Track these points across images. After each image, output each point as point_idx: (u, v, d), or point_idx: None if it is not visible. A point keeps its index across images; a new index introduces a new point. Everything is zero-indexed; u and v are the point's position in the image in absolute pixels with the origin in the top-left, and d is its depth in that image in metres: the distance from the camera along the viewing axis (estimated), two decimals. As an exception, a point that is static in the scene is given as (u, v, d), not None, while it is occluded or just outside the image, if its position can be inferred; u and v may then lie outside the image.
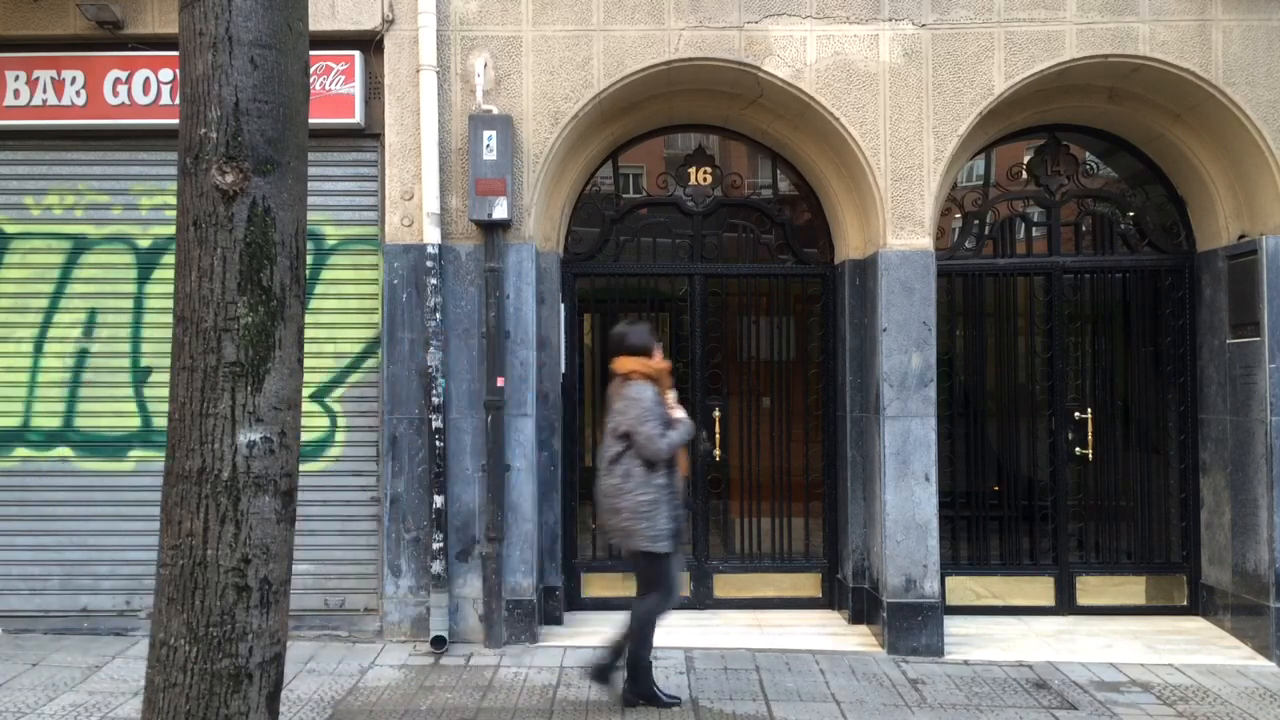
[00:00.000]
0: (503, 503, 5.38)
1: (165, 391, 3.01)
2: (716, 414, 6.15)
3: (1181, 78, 5.33)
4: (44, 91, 5.52)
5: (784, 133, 5.91)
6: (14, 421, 5.72)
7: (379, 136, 5.58)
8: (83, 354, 5.73)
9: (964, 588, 6.03)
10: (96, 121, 5.53)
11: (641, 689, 4.48)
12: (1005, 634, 5.64)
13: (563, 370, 5.92)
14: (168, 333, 5.36)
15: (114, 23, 5.42)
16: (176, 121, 2.78)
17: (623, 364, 4.46)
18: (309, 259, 5.41)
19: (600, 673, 4.56)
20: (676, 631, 5.66)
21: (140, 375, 5.73)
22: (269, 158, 2.70)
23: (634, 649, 4.45)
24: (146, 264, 5.74)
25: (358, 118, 5.50)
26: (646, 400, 4.33)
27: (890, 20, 5.42)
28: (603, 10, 5.43)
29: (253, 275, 2.68)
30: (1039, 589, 6.02)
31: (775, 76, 5.40)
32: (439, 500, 5.34)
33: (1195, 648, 5.42)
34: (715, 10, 5.39)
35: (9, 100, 5.53)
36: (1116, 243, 6.07)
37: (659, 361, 4.49)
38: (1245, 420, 5.46)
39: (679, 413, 4.46)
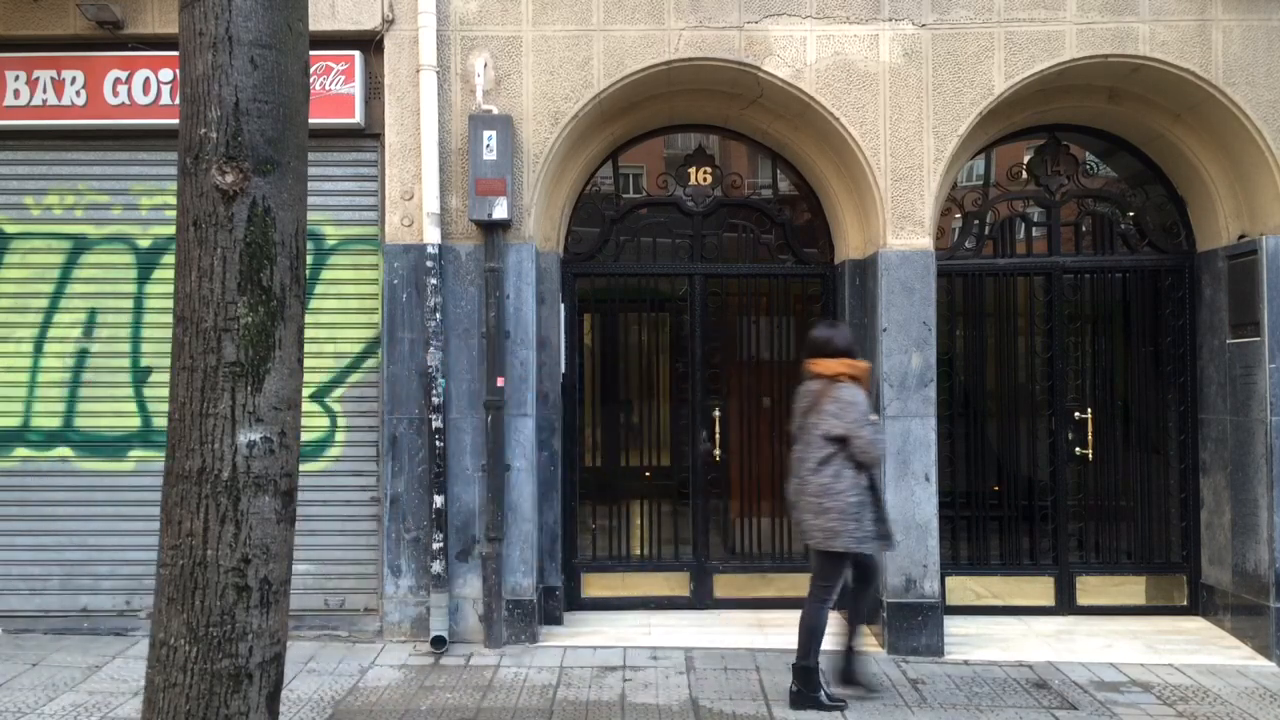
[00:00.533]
0: (503, 503, 5.38)
1: (165, 391, 3.02)
2: (716, 414, 6.16)
3: (1181, 78, 5.33)
4: (44, 91, 5.52)
5: (784, 133, 5.91)
6: (14, 421, 5.72)
7: (379, 136, 5.58)
8: (83, 354, 5.73)
9: (964, 588, 6.02)
10: (96, 121, 5.53)
11: (811, 689, 4.50)
12: (1005, 634, 5.64)
13: (563, 370, 5.92)
14: (168, 333, 5.38)
15: (114, 23, 5.42)
16: (176, 121, 2.78)
17: (830, 366, 4.48)
18: (309, 259, 5.42)
19: (848, 677, 4.59)
20: (676, 631, 5.66)
21: (140, 375, 5.74)
22: (269, 158, 2.70)
23: (803, 656, 4.48)
24: (146, 264, 5.74)
25: (358, 118, 5.50)
26: (862, 404, 4.37)
27: (890, 20, 5.42)
28: (603, 10, 5.43)
29: (253, 275, 2.68)
30: (1039, 589, 6.02)
31: (775, 76, 5.40)
32: (439, 500, 5.34)
33: (1195, 648, 5.42)
34: (715, 10, 5.39)
35: (9, 100, 5.53)
36: (1116, 243, 6.07)
37: (863, 363, 4.52)
38: (1245, 420, 5.46)
39: (873, 415, 4.49)
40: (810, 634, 4.46)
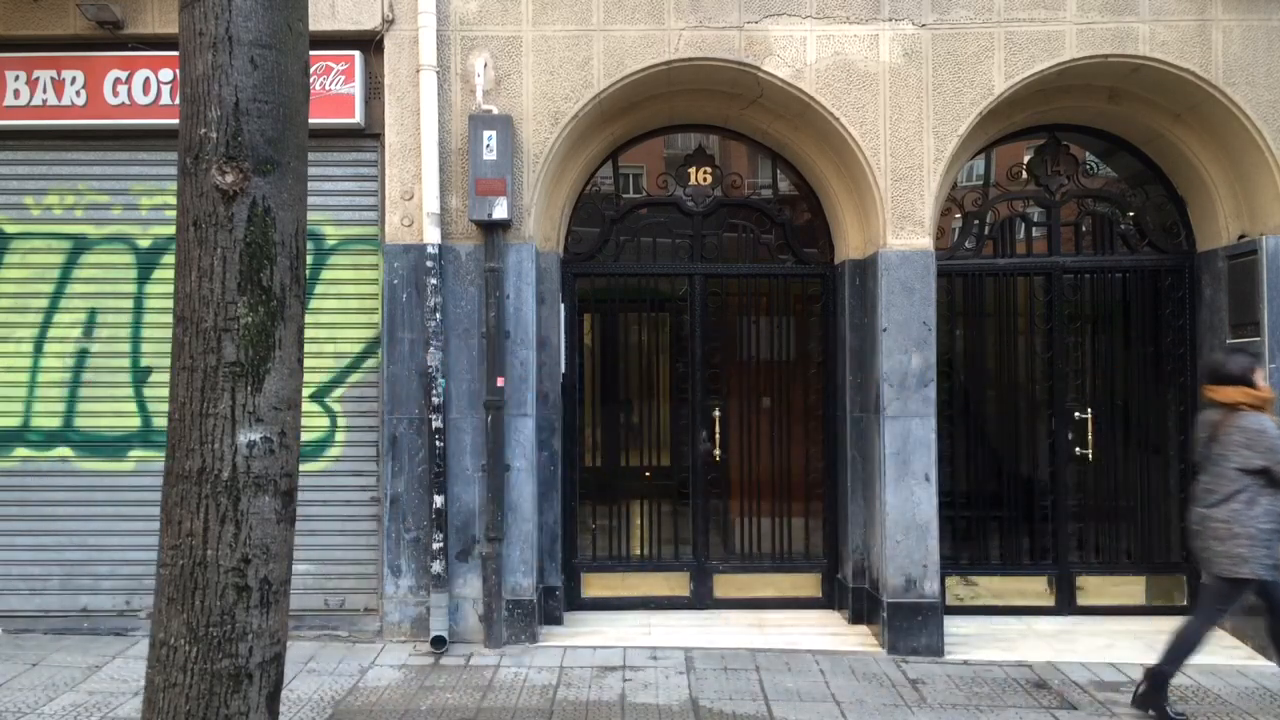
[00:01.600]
0: (503, 503, 5.38)
1: (165, 391, 3.02)
2: (716, 414, 6.16)
3: (1181, 78, 5.34)
4: (44, 91, 5.52)
5: (784, 133, 5.91)
6: (14, 421, 5.72)
7: (379, 136, 5.58)
8: (83, 354, 5.73)
9: (964, 587, 6.03)
10: (96, 121, 5.53)
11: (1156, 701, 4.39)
12: (1005, 634, 5.64)
13: (563, 370, 5.92)
14: (168, 333, 5.38)
15: (114, 23, 5.43)
16: (176, 121, 2.79)
17: (1227, 394, 4.38)
18: (309, 259, 5.42)
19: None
20: (676, 631, 5.66)
21: (140, 375, 5.74)
22: (269, 158, 2.70)
23: (1168, 661, 4.38)
24: (146, 264, 5.74)
25: (358, 118, 5.50)
26: (1272, 430, 4.27)
27: (890, 20, 5.42)
28: (603, 10, 5.43)
29: (253, 275, 2.68)
30: (1039, 589, 6.02)
31: (775, 76, 5.40)
32: (439, 500, 5.34)
33: (1195, 648, 5.42)
34: (715, 10, 5.39)
35: (9, 100, 5.53)
36: (1116, 243, 6.07)
37: (1264, 391, 4.38)
38: (1245, 420, 5.45)
39: None
40: (1182, 643, 4.36)
